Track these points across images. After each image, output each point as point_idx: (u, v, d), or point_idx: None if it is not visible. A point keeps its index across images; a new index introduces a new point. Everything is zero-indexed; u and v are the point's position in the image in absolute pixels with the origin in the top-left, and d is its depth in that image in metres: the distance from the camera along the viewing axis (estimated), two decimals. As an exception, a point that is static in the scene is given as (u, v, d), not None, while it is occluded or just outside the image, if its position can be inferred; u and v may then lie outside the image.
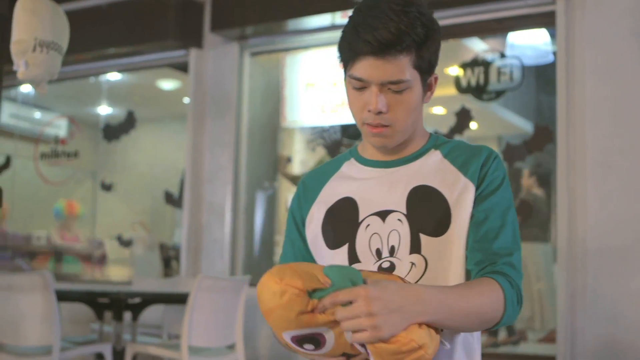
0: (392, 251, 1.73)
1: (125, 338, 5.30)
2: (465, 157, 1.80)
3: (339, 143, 6.79)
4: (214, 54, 6.78)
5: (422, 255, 1.71)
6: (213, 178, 6.67)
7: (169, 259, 8.39)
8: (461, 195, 1.74)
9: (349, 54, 1.73)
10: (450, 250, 1.72)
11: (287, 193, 7.32)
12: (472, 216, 1.73)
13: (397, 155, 1.84)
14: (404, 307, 1.48)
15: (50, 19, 3.77)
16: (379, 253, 1.74)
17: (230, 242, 6.52)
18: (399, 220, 1.74)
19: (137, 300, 5.32)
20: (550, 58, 5.74)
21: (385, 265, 1.73)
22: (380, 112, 1.72)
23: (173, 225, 8.78)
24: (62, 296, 4.93)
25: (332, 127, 6.87)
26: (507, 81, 5.79)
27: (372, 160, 1.86)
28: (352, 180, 1.86)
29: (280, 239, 7.16)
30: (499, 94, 5.85)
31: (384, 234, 1.75)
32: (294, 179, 7.05)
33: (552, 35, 5.62)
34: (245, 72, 6.73)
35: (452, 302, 1.56)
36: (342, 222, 1.81)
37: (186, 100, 7.07)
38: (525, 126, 6.97)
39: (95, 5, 6.99)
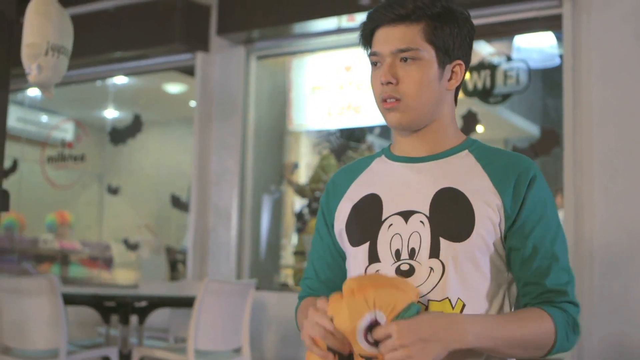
0: (412, 254, 1.72)
1: (132, 341, 5.30)
2: (498, 165, 1.77)
3: (345, 146, 6.78)
4: (220, 57, 6.79)
5: (440, 260, 1.69)
6: (219, 181, 6.67)
7: (175, 263, 8.39)
8: (488, 206, 1.72)
9: (367, 30, 1.82)
10: (471, 258, 1.70)
11: (294, 196, 7.32)
12: (518, 249, 1.72)
13: (426, 151, 1.82)
14: (437, 334, 1.55)
15: (59, 23, 3.78)
16: (398, 254, 1.73)
17: (236, 245, 6.51)
18: (421, 222, 1.73)
19: (143, 303, 5.33)
20: (557, 61, 5.73)
21: (404, 267, 1.72)
22: (390, 83, 1.75)
23: (179, 228, 8.79)
24: (69, 300, 4.93)
25: (338, 130, 6.88)
26: (514, 84, 5.78)
27: (401, 156, 1.86)
28: (379, 177, 1.86)
29: (286, 242, 7.16)
30: (505, 97, 5.84)
31: (405, 235, 1.74)
32: (299, 189, 7.04)
33: (559, 39, 5.62)
34: (252, 76, 6.73)
35: (494, 331, 1.61)
36: (366, 219, 1.81)
37: (192, 103, 7.08)
38: (531, 129, 6.95)
39: (102, 9, 7.00)
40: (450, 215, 1.72)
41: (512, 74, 5.78)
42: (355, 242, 1.81)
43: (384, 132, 6.69)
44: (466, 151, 1.82)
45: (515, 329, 1.64)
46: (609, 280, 4.93)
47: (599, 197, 5.02)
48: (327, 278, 1.94)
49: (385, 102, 1.77)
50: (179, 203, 8.26)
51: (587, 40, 5.18)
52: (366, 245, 1.78)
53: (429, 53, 1.75)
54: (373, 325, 1.57)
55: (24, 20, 3.76)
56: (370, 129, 6.82)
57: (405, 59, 1.75)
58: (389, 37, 1.76)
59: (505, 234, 1.73)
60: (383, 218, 1.78)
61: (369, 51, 1.82)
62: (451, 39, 1.77)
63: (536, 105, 6.57)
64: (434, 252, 1.70)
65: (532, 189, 1.73)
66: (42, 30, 3.70)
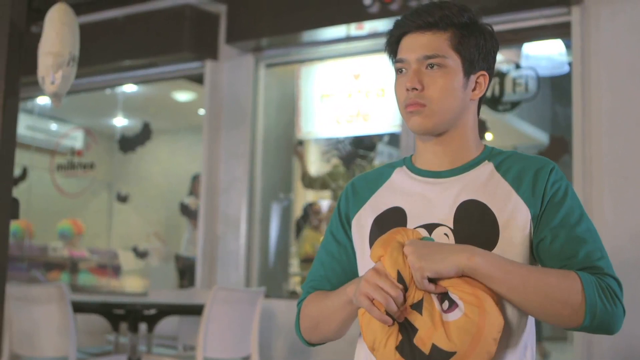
0: None
1: (141, 349, 5.30)
2: (517, 170, 1.78)
3: (354, 154, 6.78)
4: (229, 65, 6.80)
5: None
6: (228, 189, 6.68)
7: (184, 270, 8.40)
8: (511, 214, 1.72)
9: (394, 37, 1.84)
10: None
11: (302, 204, 7.32)
12: (542, 239, 1.70)
13: (447, 163, 1.83)
14: (450, 248, 1.61)
15: (75, 34, 3.82)
16: None
17: (245, 253, 6.52)
18: (445, 234, 1.73)
19: (152, 311, 5.33)
20: (566, 69, 5.73)
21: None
22: (415, 89, 1.76)
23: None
24: (78, 307, 4.94)
25: (347, 138, 6.88)
26: (523, 92, 5.78)
27: (424, 170, 1.85)
28: (402, 190, 1.85)
29: (295, 250, 7.16)
30: (514, 104, 5.84)
31: None
32: (309, 181, 7.02)
33: (568, 46, 5.61)
34: (261, 84, 6.74)
35: (506, 263, 1.61)
36: None
37: (201, 111, 7.09)
38: (540, 137, 6.95)
39: (111, 18, 7.03)
40: (474, 227, 1.72)
41: (521, 82, 5.78)
42: None
43: (393, 140, 6.69)
44: (485, 161, 1.83)
45: (532, 270, 1.62)
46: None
47: (607, 205, 5.01)
48: (340, 282, 1.89)
49: (408, 106, 1.78)
50: (187, 211, 8.27)
51: (596, 48, 5.18)
52: None
53: (454, 61, 1.77)
54: None
55: (45, 29, 3.77)
56: (379, 137, 6.82)
57: (431, 66, 1.76)
58: (416, 43, 1.78)
59: (533, 233, 1.73)
60: None
61: (395, 59, 1.84)
62: (477, 50, 1.79)
63: (545, 113, 6.57)
64: None
65: (549, 181, 1.74)
66: (67, 40, 3.73)
